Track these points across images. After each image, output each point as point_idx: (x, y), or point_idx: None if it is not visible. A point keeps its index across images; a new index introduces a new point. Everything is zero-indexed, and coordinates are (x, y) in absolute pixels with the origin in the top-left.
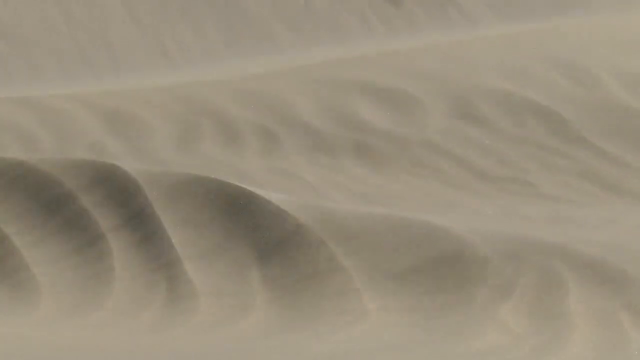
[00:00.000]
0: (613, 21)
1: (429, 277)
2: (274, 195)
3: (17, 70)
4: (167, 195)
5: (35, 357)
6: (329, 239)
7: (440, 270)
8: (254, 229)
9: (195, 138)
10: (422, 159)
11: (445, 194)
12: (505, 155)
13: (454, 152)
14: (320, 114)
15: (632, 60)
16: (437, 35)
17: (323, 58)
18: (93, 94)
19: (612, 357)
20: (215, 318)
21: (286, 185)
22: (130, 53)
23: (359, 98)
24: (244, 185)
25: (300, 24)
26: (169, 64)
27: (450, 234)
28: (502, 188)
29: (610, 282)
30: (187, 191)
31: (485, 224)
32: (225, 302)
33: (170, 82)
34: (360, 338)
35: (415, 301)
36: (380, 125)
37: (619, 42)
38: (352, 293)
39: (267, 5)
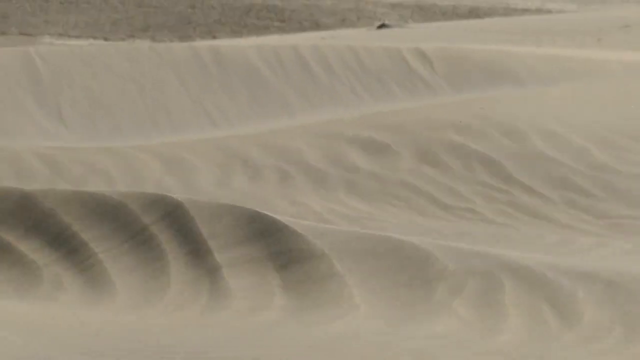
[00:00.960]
0: (534, 91)
1: (403, 278)
2: (289, 220)
3: (102, 127)
4: (209, 220)
5: (116, 335)
6: (330, 252)
7: (411, 273)
8: (274, 246)
9: (229, 176)
10: (397, 193)
11: (415, 220)
12: (457, 191)
13: (420, 188)
14: (320, 159)
15: (548, 120)
16: (407, 101)
17: (323, 118)
18: (156, 145)
19: (535, 336)
20: (244, 311)
21: (296, 211)
22: (183, 115)
23: (348, 147)
24: (266, 212)
25: (307, 93)
26: (210, 123)
27: (419, 248)
28: (456, 215)
29: (535, 282)
30: (224, 216)
31: (444, 240)
32: (252, 300)
33: (211, 136)
34: (352, 324)
35: (392, 296)
36: (364, 167)
37: (539, 106)
38: (346, 292)
39: (283, 80)
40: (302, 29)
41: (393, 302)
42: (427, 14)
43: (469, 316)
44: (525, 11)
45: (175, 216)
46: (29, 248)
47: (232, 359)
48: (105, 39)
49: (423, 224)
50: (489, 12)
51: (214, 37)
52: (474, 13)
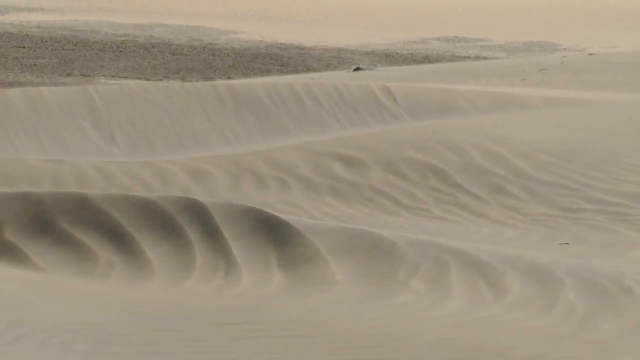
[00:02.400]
0: (474, 119)
1: (373, 261)
2: (286, 217)
3: (142, 147)
4: (225, 217)
5: (157, 306)
6: (318, 241)
7: (379, 258)
8: (275, 237)
9: (240, 184)
10: (369, 197)
11: (383, 217)
12: (415, 195)
13: (386, 192)
14: (310, 170)
15: (484, 140)
16: (376, 127)
17: (312, 139)
18: (184, 160)
19: (474, 305)
20: (251, 286)
21: (292, 210)
22: (205, 137)
23: (332, 161)
24: (269, 211)
25: (300, 120)
26: (226, 143)
27: (386, 238)
28: (414, 213)
29: (474, 264)
30: (237, 214)
31: (404, 233)
32: (257, 277)
33: (227, 153)
34: (333, 296)
35: (365, 275)
36: (344, 177)
37: (477, 130)
38: (329, 271)
39: (281, 110)
40: (296, 71)
41: (365, 280)
42: (392, 60)
43: (423, 290)
44: (466, 58)
45: (199, 214)
46: (87, 238)
47: (243, 323)
48: (147, 80)
49: (389, 220)
50: (439, 59)
51: (229, 78)
52: (427, 59)
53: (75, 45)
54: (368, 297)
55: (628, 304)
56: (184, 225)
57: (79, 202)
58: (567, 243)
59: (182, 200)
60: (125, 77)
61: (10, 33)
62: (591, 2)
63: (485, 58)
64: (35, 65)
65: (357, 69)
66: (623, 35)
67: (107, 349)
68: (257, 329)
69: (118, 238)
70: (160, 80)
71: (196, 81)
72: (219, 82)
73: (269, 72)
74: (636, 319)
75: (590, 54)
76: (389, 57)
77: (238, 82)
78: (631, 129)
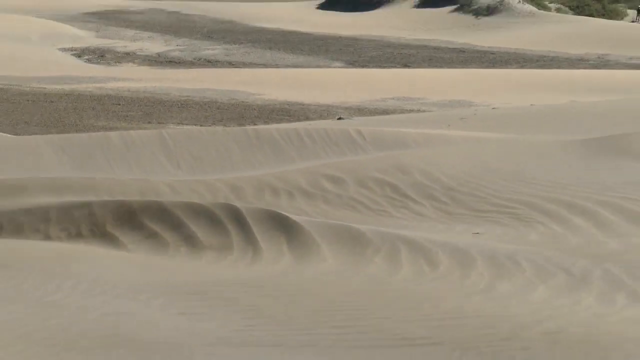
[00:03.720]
0: (418, 151)
1: (352, 246)
2: (293, 216)
3: (197, 170)
4: (254, 217)
5: (207, 280)
6: (314, 232)
7: (355, 243)
8: (285, 229)
9: (262, 195)
10: (348, 204)
11: (358, 217)
12: (378, 202)
13: (360, 201)
14: (309, 185)
15: (424, 165)
16: (351, 156)
17: (309, 165)
18: (224, 178)
19: (420, 276)
20: (269, 264)
21: (298, 213)
22: (238, 164)
23: (323, 179)
24: (282, 212)
25: (301, 152)
26: (252, 169)
27: (360, 231)
28: (377, 214)
29: (419, 248)
30: (262, 216)
31: (371, 227)
32: (274, 257)
33: (252, 175)
34: (323, 269)
35: (346, 255)
36: (331, 189)
37: (419, 159)
38: (321, 252)
39: (289, 146)
40: (299, 120)
41: (346, 259)
42: (363, 112)
43: (383, 265)
44: (411, 111)
45: (236, 215)
46: (161, 230)
47: (266, 287)
48: (201, 125)
49: (362, 219)
50: (393, 112)
51: (255, 124)
52: (385, 112)
53: (153, 103)
54: (347, 269)
55: (517, 272)
56: (226, 222)
57: (156, 206)
58: (478, 233)
59: (225, 205)
60: (187, 124)
61: (110, 95)
62: (496, 73)
63: (424, 111)
64: (127, 116)
65: (340, 118)
66: (516, 96)
67: (178, 303)
68: (276, 289)
69: (182, 230)
70: (209, 126)
71: (233, 127)
72: (248, 127)
73: (281, 121)
74: (523, 282)
75: (494, 108)
76: (361, 111)
77: (260, 127)
78: (524, 157)
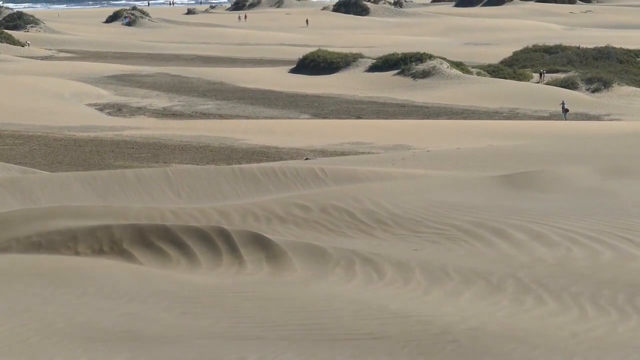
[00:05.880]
0: (372, 184)
1: (317, 260)
2: (272, 236)
3: (194, 200)
4: (239, 237)
5: (202, 283)
6: (288, 250)
7: (320, 258)
8: (265, 247)
9: (246, 219)
10: (314, 227)
11: (322, 237)
12: (337, 225)
13: (323, 224)
14: (283, 213)
15: (375, 198)
16: (316, 189)
17: (283, 196)
18: (216, 206)
19: (364, 283)
20: (251, 273)
21: (274, 234)
22: (227, 195)
23: (294, 208)
24: (262, 234)
25: (278, 186)
26: (238, 198)
27: (323, 248)
28: (336, 235)
29: (367, 261)
30: (245, 236)
31: (331, 244)
32: (255, 269)
33: (238, 203)
34: (296, 279)
35: (313, 268)
36: (300, 215)
37: (373, 192)
38: (292, 265)
39: (267, 181)
40: (274, 160)
41: (312, 269)
42: (325, 154)
43: (342, 275)
44: (363, 153)
45: (225, 235)
46: (166, 248)
47: (248, 292)
48: (197, 164)
49: (324, 238)
50: (349, 154)
51: (239, 163)
52: (343, 154)
53: (159, 147)
54: (312, 278)
55: (447, 280)
56: (217, 241)
57: (162, 228)
58: (417, 249)
59: (216, 228)
60: (186, 163)
61: (126, 140)
62: (430, 123)
63: (373, 153)
64: (139, 157)
65: (307, 159)
66: (445, 141)
67: (178, 305)
68: (257, 294)
69: (182, 248)
70: (204, 164)
71: (222, 165)
72: (235, 166)
73: (260, 161)
74: (451, 288)
75: (428, 151)
76: (324, 153)
77: (244, 166)
78: (452, 189)
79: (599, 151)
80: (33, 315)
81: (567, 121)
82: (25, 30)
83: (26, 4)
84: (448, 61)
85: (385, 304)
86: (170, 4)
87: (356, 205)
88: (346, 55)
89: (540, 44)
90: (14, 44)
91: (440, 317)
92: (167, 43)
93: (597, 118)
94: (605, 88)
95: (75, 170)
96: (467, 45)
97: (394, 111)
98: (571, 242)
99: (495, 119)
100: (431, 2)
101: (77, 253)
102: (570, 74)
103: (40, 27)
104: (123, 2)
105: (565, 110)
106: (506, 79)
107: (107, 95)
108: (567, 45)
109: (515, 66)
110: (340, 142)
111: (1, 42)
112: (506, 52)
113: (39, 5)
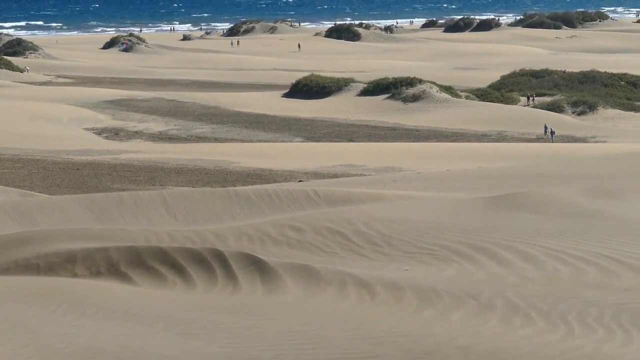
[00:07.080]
0: (365, 206)
1: (306, 279)
2: (265, 257)
3: (190, 221)
4: (234, 258)
5: (198, 302)
6: (280, 270)
7: (312, 278)
8: (259, 268)
9: (241, 241)
10: (306, 247)
11: (313, 257)
12: (329, 245)
13: (315, 244)
14: (276, 234)
15: (367, 219)
16: (309, 211)
17: (276, 218)
18: (210, 228)
19: (362, 303)
20: (246, 293)
21: (268, 255)
22: (222, 217)
23: (287, 229)
24: (256, 255)
25: (272, 207)
26: (233, 220)
27: (314, 267)
28: (329, 255)
29: (358, 282)
30: (240, 257)
31: (324, 265)
32: (249, 288)
33: (233, 225)
34: (288, 295)
35: (305, 287)
36: (293, 236)
37: (362, 212)
38: (284, 284)
39: (262, 203)
40: (268, 182)
41: (305, 290)
42: (318, 176)
43: (335, 294)
44: (355, 175)
45: (220, 256)
46: (162, 269)
47: (244, 312)
48: (192, 187)
49: (317, 259)
50: (341, 176)
51: (235, 186)
52: (335, 176)
53: (155, 170)
54: (305, 298)
55: (438, 300)
56: (212, 262)
57: (158, 250)
58: (408, 269)
59: (211, 249)
60: (182, 186)
61: (123, 164)
62: (420, 145)
63: (365, 175)
64: (135, 180)
65: (300, 181)
66: (435, 163)
67: (174, 325)
68: (251, 312)
69: (178, 269)
70: (200, 187)
71: (217, 188)
72: (230, 188)
73: (254, 183)
74: (442, 308)
75: (419, 172)
76: (316, 175)
77: (239, 188)
78: (442, 210)
79: (584, 172)
80: (33, 336)
81: (553, 143)
82: (25, 56)
83: (31, 30)
84: (437, 85)
85: (378, 323)
86: (171, 30)
87: (348, 227)
88: (338, 79)
89: (527, 68)
90: (13, 70)
91: (432, 336)
92: (163, 68)
93: (583, 140)
94: (590, 111)
95: (73, 193)
96: (456, 69)
97: (385, 134)
98: (558, 261)
99: (484, 142)
100: (421, 27)
101: (75, 275)
102: (557, 97)
103: (39, 54)
104: (127, 28)
105: (552, 133)
106: (494, 102)
107: (105, 120)
108: (554, 69)
109: (503, 90)
110: (333, 165)
111: (1, 68)
112: (494, 76)
113: (44, 32)
